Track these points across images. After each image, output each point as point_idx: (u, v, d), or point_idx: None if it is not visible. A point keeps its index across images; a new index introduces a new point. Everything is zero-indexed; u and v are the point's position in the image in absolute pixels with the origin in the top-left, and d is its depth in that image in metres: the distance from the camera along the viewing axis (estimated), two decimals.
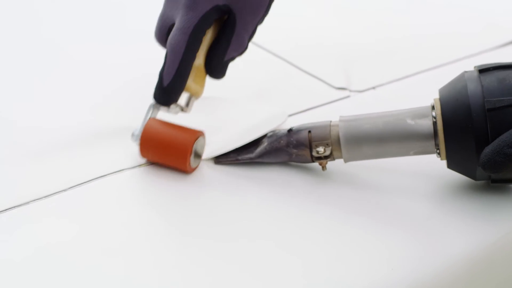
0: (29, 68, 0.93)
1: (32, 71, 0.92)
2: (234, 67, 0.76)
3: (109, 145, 0.76)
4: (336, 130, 0.69)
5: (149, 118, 0.73)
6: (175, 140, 0.71)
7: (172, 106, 0.72)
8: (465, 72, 0.67)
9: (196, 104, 0.74)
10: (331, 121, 0.70)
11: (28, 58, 0.95)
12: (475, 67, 0.68)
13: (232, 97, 0.80)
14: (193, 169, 0.72)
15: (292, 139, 0.71)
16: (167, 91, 0.70)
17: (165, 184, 0.71)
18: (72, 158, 0.74)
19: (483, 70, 0.65)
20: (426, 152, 0.67)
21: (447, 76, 0.91)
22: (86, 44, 0.98)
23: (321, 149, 0.69)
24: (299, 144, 0.71)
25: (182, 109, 0.73)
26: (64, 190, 0.69)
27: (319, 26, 1.05)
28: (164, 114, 0.74)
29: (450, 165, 0.67)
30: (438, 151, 0.67)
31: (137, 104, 0.79)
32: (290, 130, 0.72)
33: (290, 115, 0.81)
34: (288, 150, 0.71)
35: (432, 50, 0.99)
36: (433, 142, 0.66)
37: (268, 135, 0.74)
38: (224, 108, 0.80)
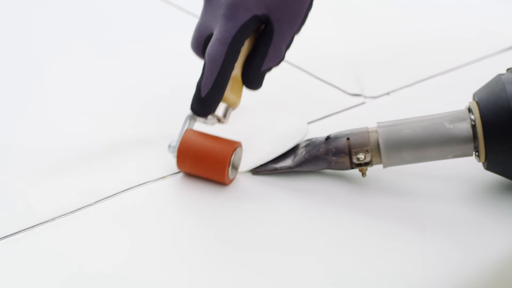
0: (65, 78, 0.92)
1: (69, 81, 0.92)
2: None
3: (145, 155, 0.76)
4: (375, 136, 0.69)
5: (186, 129, 0.72)
6: (213, 152, 0.70)
7: (210, 117, 0.71)
8: (501, 74, 0.68)
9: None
10: (368, 128, 0.70)
11: (68, 68, 0.95)
12: (508, 69, 0.68)
13: (251, 106, 0.80)
14: (231, 181, 0.72)
15: (331, 146, 0.71)
16: (205, 102, 0.70)
17: (202, 194, 0.71)
18: (94, 172, 0.74)
19: None
20: (465, 155, 0.68)
21: (457, 80, 0.92)
22: (121, 55, 0.98)
23: (361, 156, 0.69)
24: (338, 152, 0.70)
25: (219, 120, 0.72)
26: (90, 205, 0.69)
27: (327, 35, 1.05)
28: (201, 125, 0.73)
29: (489, 167, 0.68)
30: (477, 153, 0.67)
31: (171, 115, 0.80)
32: (328, 138, 0.72)
33: (309, 123, 0.81)
34: (327, 157, 0.71)
35: (439, 55, 1.00)
36: (472, 145, 0.67)
37: (305, 144, 0.74)
38: (247, 117, 0.80)
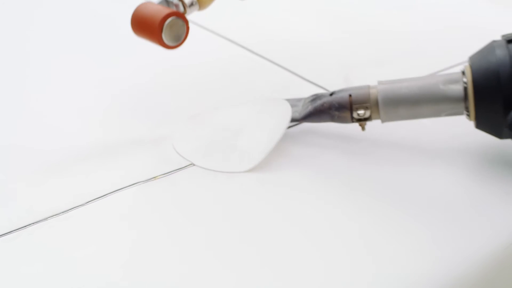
0: (52, 77, 0.94)
1: (66, 82, 0.93)
2: (235, 77, 0.77)
3: (136, 155, 0.78)
4: (374, 93, 0.75)
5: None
6: (152, 11, 0.74)
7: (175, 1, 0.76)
8: (494, 41, 0.73)
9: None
10: (369, 85, 0.76)
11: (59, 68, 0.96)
12: (502, 36, 0.73)
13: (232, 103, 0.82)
14: (171, 48, 0.75)
15: (334, 102, 0.77)
16: None
17: (194, 193, 0.73)
18: (84, 173, 0.75)
19: (511, 41, 0.70)
20: (456, 114, 0.73)
21: None
22: (115, 56, 1.00)
23: (361, 112, 0.75)
24: (341, 107, 0.76)
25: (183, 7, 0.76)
26: (82, 205, 0.70)
27: (312, 35, 1.07)
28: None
29: (478, 125, 0.73)
30: (467, 113, 0.72)
31: (165, 115, 0.83)
32: (332, 93, 0.78)
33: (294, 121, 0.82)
34: (331, 112, 0.77)
35: (428, 56, 1.00)
36: (463, 105, 0.72)
37: (311, 98, 0.80)
38: (231, 116, 0.82)
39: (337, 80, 0.92)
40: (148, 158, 0.77)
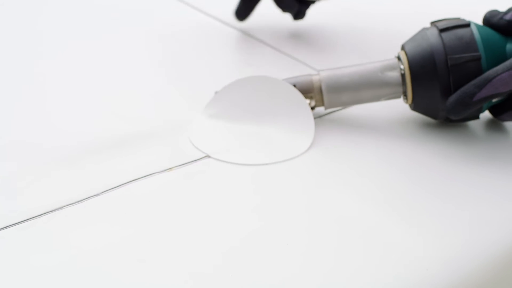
0: (61, 71, 0.94)
1: (77, 75, 0.93)
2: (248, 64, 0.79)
3: (152, 146, 0.78)
4: (318, 82, 0.80)
5: None
6: None
7: None
8: (426, 29, 0.78)
9: None
10: (310, 75, 0.80)
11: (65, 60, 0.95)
12: (431, 23, 0.78)
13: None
14: None
15: None
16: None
17: (208, 185, 0.72)
18: (100, 163, 0.75)
19: (444, 30, 0.76)
20: (394, 98, 0.80)
21: None
22: (126, 47, 0.99)
23: (307, 101, 0.80)
24: None
25: None
26: (97, 195, 0.70)
27: (336, 30, 1.06)
28: None
29: (415, 108, 0.80)
30: (405, 97, 0.79)
31: (178, 107, 0.84)
32: None
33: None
34: None
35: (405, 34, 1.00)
36: (401, 90, 0.79)
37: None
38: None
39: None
40: (164, 149, 0.77)
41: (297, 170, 0.74)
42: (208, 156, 0.76)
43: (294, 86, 0.80)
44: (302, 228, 0.66)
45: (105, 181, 0.71)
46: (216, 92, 0.82)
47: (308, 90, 0.80)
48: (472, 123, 0.81)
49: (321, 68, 0.81)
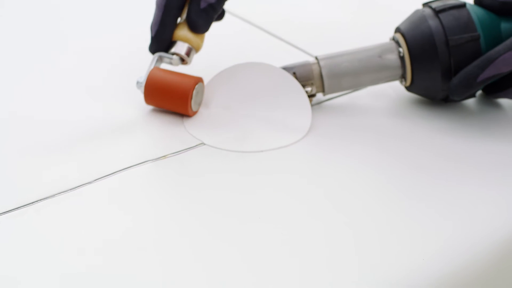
0: (46, 59, 0.93)
1: (49, 62, 0.92)
2: (250, 58, 0.80)
3: (145, 134, 0.77)
4: (317, 69, 0.79)
5: (153, 67, 0.78)
6: (177, 84, 0.76)
7: (174, 57, 0.78)
8: (421, 11, 0.78)
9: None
10: (308, 61, 0.80)
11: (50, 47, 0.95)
12: (424, 4, 0.79)
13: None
14: (194, 113, 0.78)
15: None
16: (154, 40, 0.79)
17: (203, 172, 0.72)
18: (94, 150, 0.74)
19: (440, 11, 0.76)
20: (392, 80, 0.80)
21: None
22: (126, 33, 0.99)
23: (309, 89, 0.79)
24: None
25: (183, 61, 0.79)
26: (90, 183, 0.69)
27: (334, 20, 1.05)
28: (167, 66, 0.80)
29: (412, 90, 0.80)
30: (402, 79, 0.80)
31: None
32: None
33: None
34: None
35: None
36: (399, 72, 0.79)
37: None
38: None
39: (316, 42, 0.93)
40: (158, 136, 0.76)
41: (294, 157, 0.74)
42: (203, 144, 0.75)
43: (294, 73, 0.79)
44: (297, 215, 0.66)
45: (98, 168, 0.71)
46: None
47: (308, 77, 0.79)
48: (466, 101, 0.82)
49: (316, 54, 0.80)
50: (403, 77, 0.79)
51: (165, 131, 0.77)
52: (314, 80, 0.79)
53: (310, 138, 0.76)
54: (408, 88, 0.81)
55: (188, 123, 0.78)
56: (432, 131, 0.78)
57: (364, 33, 0.95)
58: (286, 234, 0.63)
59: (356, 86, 0.81)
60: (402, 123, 0.79)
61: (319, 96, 0.82)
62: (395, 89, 0.83)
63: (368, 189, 0.69)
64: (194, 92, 0.77)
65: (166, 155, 0.73)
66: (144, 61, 0.85)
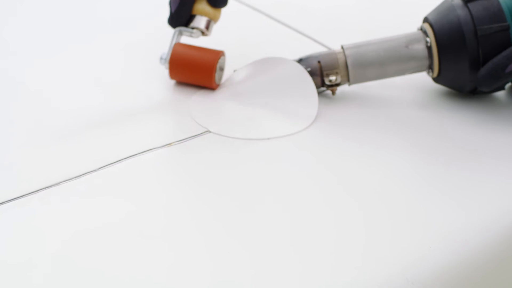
0: (57, 46, 0.92)
1: (76, 49, 0.92)
2: (253, 42, 0.82)
3: (151, 121, 0.77)
4: (342, 58, 0.78)
5: (175, 43, 0.80)
6: (200, 58, 0.79)
7: (194, 30, 0.80)
8: (450, 1, 0.76)
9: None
10: (334, 50, 0.79)
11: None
12: None
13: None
14: (218, 86, 0.80)
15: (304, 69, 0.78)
16: (174, 16, 0.80)
17: (207, 160, 0.71)
18: (100, 138, 0.74)
19: (469, 0, 0.74)
20: (419, 71, 0.78)
21: None
22: (127, 22, 0.98)
23: (333, 78, 0.78)
24: (311, 74, 0.78)
25: (203, 33, 0.81)
26: (94, 171, 0.69)
27: (341, 4, 1.04)
28: (188, 39, 0.82)
29: (439, 81, 0.79)
30: (429, 70, 0.78)
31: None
32: (300, 60, 0.79)
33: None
34: None
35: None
36: (426, 63, 0.77)
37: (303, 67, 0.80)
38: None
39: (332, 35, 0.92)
40: (164, 124, 0.76)
41: (300, 145, 0.73)
42: (208, 131, 0.75)
43: (318, 62, 0.78)
44: (305, 200, 0.65)
45: (103, 156, 0.70)
46: (234, 71, 0.82)
47: (333, 66, 0.78)
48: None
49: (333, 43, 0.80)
50: (430, 68, 0.78)
51: (171, 119, 0.77)
52: (339, 69, 0.78)
53: (323, 126, 0.76)
54: (436, 79, 0.79)
55: (194, 111, 0.77)
56: (459, 123, 0.76)
57: (391, 25, 0.94)
58: (294, 219, 0.63)
59: (381, 77, 0.79)
60: (428, 115, 0.78)
61: (344, 86, 0.81)
62: (422, 80, 0.82)
63: (380, 176, 0.69)
64: (218, 65, 0.79)
65: (172, 142, 0.73)
66: (153, 52, 0.85)
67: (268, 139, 0.73)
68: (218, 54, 0.79)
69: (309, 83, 0.78)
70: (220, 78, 0.81)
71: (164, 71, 0.83)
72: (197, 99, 0.79)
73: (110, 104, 0.79)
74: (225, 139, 0.74)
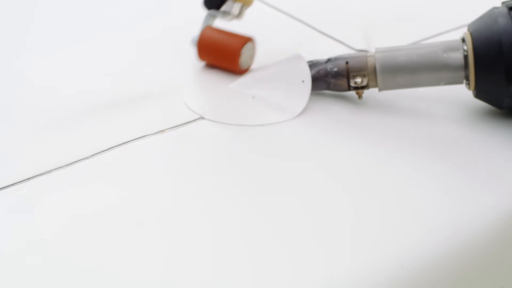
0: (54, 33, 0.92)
1: (70, 39, 0.92)
2: (256, 32, 0.79)
3: (144, 109, 0.76)
4: (372, 61, 0.73)
5: (206, 26, 0.81)
6: (227, 42, 0.79)
7: (226, 14, 0.81)
8: (495, 8, 0.70)
9: None
10: (367, 52, 0.73)
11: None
12: (503, 3, 0.70)
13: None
14: (243, 71, 0.80)
15: (330, 69, 0.74)
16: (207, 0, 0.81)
17: (200, 147, 0.71)
18: (92, 126, 0.73)
19: None
20: (456, 83, 0.71)
21: None
22: (123, 11, 0.98)
23: (359, 80, 0.73)
24: (337, 74, 0.74)
25: (235, 17, 0.82)
26: (86, 158, 0.68)
27: None
28: (220, 22, 0.83)
29: (477, 95, 0.71)
30: (467, 81, 0.70)
31: (171, 69, 0.82)
32: (328, 60, 0.75)
33: None
34: (327, 79, 0.75)
35: (447, 13, 0.97)
36: (463, 73, 0.70)
37: (308, 65, 0.76)
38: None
39: (355, 35, 0.90)
40: (157, 111, 0.75)
41: (294, 133, 0.72)
42: (202, 118, 0.74)
43: (346, 63, 0.73)
44: (298, 186, 0.64)
45: (96, 144, 0.70)
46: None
47: (360, 68, 0.73)
48: None
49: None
50: (467, 79, 0.70)
51: (164, 106, 0.76)
52: (367, 72, 0.73)
53: (322, 121, 0.74)
54: (475, 94, 0.71)
55: (188, 97, 0.77)
56: (487, 142, 0.69)
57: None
58: (289, 208, 0.62)
59: (414, 85, 0.72)
60: (457, 131, 0.71)
61: (374, 91, 0.75)
62: (462, 95, 0.74)
63: (376, 165, 0.68)
64: (244, 50, 0.79)
65: (165, 129, 0.72)
66: (146, 40, 0.84)
67: (262, 125, 0.73)
68: (245, 40, 0.79)
69: (307, 81, 0.76)
70: (249, 64, 0.81)
71: (157, 60, 0.82)
72: (192, 86, 0.79)
73: (102, 90, 0.79)
74: (219, 126, 0.73)
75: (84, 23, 0.95)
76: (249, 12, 0.84)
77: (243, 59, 0.79)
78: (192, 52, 0.82)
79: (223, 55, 0.79)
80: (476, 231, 0.60)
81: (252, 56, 0.80)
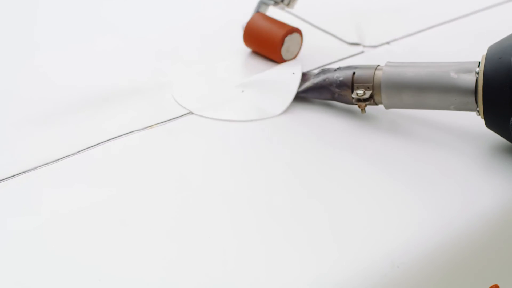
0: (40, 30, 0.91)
1: (64, 32, 0.91)
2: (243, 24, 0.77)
3: (134, 104, 0.75)
4: (379, 74, 0.68)
5: (256, 12, 0.82)
6: (270, 30, 0.80)
7: (277, 2, 0.82)
8: None
9: None
10: (378, 65, 0.69)
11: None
12: None
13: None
14: (284, 61, 0.80)
15: (336, 78, 0.71)
16: None
17: (190, 141, 0.70)
18: (79, 122, 0.72)
19: None
20: (467, 109, 0.64)
21: (457, 31, 0.89)
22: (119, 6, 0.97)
23: (360, 92, 0.69)
24: (342, 84, 0.71)
25: (287, 5, 0.82)
26: (73, 154, 0.67)
27: None
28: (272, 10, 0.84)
29: (488, 124, 0.63)
30: (478, 108, 0.63)
31: (165, 64, 0.81)
32: (338, 69, 0.72)
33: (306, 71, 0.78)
34: (332, 88, 0.72)
35: (442, 5, 0.96)
36: (473, 99, 0.62)
37: (317, 72, 0.74)
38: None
39: (347, 28, 0.89)
40: (145, 106, 0.74)
41: (280, 130, 0.71)
42: (191, 113, 0.73)
43: (353, 73, 0.69)
44: (287, 183, 0.64)
45: (83, 140, 0.69)
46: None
47: (365, 80, 0.69)
48: None
49: None
50: (478, 105, 0.63)
51: (153, 101, 0.75)
52: (372, 85, 0.68)
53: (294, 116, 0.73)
54: (485, 123, 0.64)
55: (176, 92, 0.76)
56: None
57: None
58: (281, 202, 0.61)
59: (421, 106, 0.66)
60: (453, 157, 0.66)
61: (380, 107, 0.71)
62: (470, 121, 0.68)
63: (365, 162, 0.67)
64: (288, 40, 0.79)
65: (153, 125, 0.71)
66: (135, 35, 0.83)
67: (251, 121, 0.72)
68: (289, 30, 0.79)
69: (294, 84, 0.75)
70: (293, 55, 0.80)
71: (145, 55, 0.81)
72: (180, 81, 0.78)
73: (90, 88, 0.78)
74: (207, 121, 0.72)
75: (75, 20, 0.94)
76: (239, 5, 0.83)
77: (284, 48, 0.79)
78: (182, 47, 0.82)
79: (266, 42, 0.80)
80: (465, 226, 0.59)
81: (297, 47, 0.80)
